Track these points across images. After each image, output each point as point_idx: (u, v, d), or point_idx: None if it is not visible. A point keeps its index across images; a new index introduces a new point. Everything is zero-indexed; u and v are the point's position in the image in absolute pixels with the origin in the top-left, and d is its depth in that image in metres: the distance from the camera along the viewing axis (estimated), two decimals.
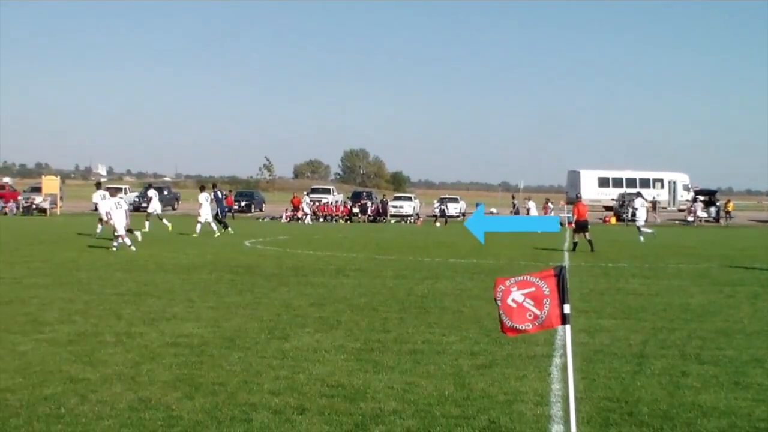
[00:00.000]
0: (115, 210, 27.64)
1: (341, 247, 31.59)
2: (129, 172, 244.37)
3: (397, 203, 73.95)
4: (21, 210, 66.36)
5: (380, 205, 70.69)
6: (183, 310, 14.01)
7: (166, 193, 74.34)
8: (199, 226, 37.49)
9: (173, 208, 74.38)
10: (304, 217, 62.29)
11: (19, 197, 70.63)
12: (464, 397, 8.34)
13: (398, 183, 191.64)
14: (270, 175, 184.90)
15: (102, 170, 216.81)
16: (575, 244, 31.52)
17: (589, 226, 32.29)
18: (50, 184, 71.53)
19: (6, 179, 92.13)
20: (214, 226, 38.28)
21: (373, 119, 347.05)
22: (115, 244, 27.14)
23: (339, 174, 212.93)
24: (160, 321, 12.76)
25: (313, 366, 9.71)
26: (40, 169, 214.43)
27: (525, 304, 6.25)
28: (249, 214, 71.66)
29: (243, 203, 74.73)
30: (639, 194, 52.93)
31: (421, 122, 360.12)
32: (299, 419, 7.50)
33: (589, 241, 31.15)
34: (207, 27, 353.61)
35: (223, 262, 23.24)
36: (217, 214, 41.92)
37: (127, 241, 27.51)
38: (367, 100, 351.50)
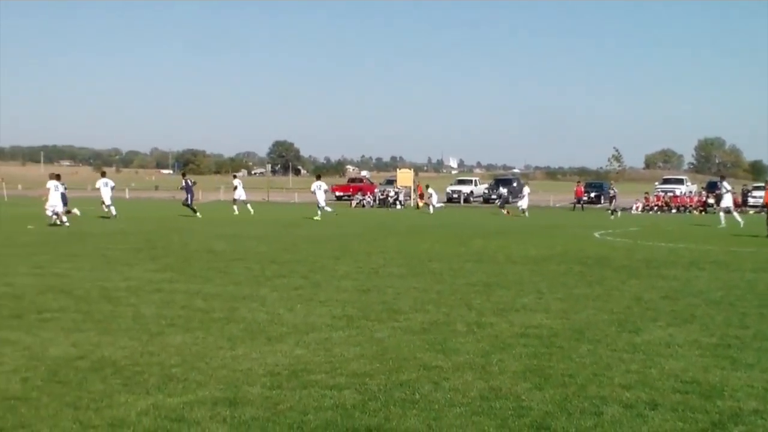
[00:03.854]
0: (53, 191, 33.83)
1: (695, 239, 30.45)
2: (479, 164, 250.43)
3: (757, 193, 69.94)
4: (377, 202, 69.72)
5: (739, 196, 67.25)
6: (532, 301, 14.04)
7: (515, 185, 75.83)
8: (319, 212, 43.08)
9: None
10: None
11: (376, 190, 74.21)
12: None
13: (757, 172, 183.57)
14: (619, 166, 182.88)
15: (453, 162, 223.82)
16: None
17: None
18: (404, 176, 74.42)
19: (364, 173, 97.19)
20: (327, 209, 43.74)
21: (731, 107, 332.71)
22: (65, 220, 33.79)
23: (692, 164, 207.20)
24: (510, 312, 12.84)
25: (666, 361, 9.38)
26: (395, 163, 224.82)
27: None
28: (598, 206, 70.87)
29: (593, 194, 74.19)
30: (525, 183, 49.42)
31: None
32: (651, 414, 7.28)
33: None
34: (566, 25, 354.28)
35: (572, 254, 23.11)
36: (186, 199, 45.26)
37: (64, 218, 33.85)
38: (720, 86, 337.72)
